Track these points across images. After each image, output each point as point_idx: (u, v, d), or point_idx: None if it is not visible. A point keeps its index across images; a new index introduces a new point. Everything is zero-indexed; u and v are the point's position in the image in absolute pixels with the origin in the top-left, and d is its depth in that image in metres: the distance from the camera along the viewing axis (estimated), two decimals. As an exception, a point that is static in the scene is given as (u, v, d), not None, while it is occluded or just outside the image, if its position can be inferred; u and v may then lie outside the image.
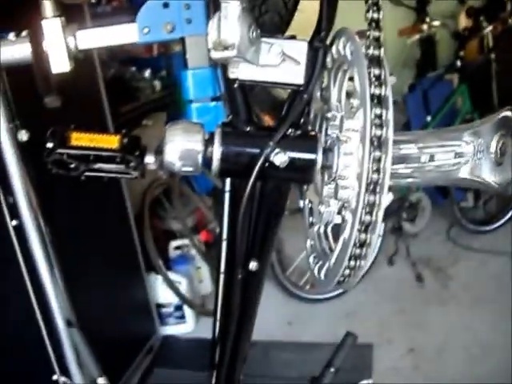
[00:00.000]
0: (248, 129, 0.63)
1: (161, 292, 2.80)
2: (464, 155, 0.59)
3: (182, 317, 2.87)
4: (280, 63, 0.60)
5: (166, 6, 0.84)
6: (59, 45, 0.86)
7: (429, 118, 3.50)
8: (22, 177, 1.23)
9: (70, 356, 1.37)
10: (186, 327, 2.89)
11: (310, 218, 0.73)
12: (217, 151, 0.61)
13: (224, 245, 0.88)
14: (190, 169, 0.62)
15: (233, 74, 0.61)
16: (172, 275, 2.81)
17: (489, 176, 0.58)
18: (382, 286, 3.13)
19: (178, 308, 2.84)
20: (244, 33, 0.54)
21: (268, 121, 0.77)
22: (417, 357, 2.60)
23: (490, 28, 3.26)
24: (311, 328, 2.87)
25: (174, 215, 3.04)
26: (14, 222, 1.70)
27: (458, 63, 3.36)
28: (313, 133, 0.64)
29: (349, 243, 0.55)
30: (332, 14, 0.64)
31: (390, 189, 0.54)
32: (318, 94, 0.70)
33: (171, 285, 2.76)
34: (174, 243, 2.98)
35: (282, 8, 0.63)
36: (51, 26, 0.83)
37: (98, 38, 0.89)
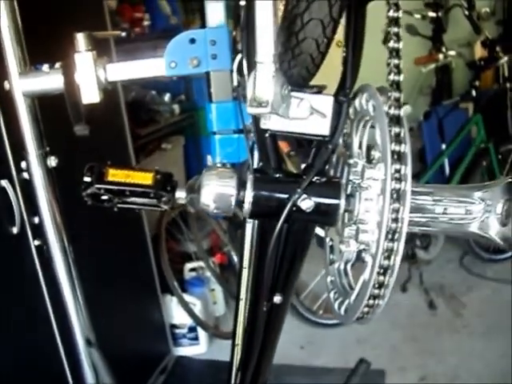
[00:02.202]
0: (277, 175, 0.68)
1: (175, 313, 2.84)
2: (474, 212, 0.64)
3: (196, 338, 2.90)
4: (308, 116, 0.65)
5: (192, 41, 0.89)
6: (90, 77, 0.91)
7: (444, 146, 3.54)
8: (49, 199, 1.28)
9: (89, 375, 1.40)
10: (200, 349, 2.92)
11: (331, 256, 0.77)
12: (249, 195, 0.66)
13: (244, 272, 0.93)
14: (223, 210, 0.67)
15: (265, 125, 0.66)
16: (187, 297, 2.85)
17: (495, 234, 0.63)
18: (394, 313, 3.14)
19: (192, 329, 2.87)
20: (277, 91, 0.60)
21: (283, 146, 0.81)
22: (429, 385, 2.61)
23: (505, 59, 3.29)
24: (323, 353, 2.88)
25: (190, 237, 3.08)
26: (37, 242, 1.76)
27: (473, 92, 3.40)
28: (336, 179, 0.69)
29: (368, 284, 0.59)
30: (356, 69, 0.69)
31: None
32: (341, 140, 0.75)
33: (186, 306, 2.79)
34: (189, 265, 3.03)
35: (309, 63, 0.68)
36: (84, 59, 0.90)
37: (127, 71, 0.93)
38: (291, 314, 2.96)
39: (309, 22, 0.63)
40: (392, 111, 0.61)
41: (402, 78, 0.64)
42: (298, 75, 0.70)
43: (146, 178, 0.87)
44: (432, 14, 4.00)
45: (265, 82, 0.59)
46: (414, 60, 3.55)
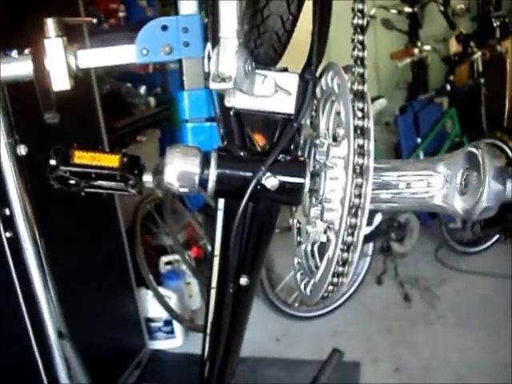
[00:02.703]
0: (242, 154, 0.68)
1: (151, 307, 2.82)
2: (435, 185, 0.64)
3: (172, 332, 2.88)
4: (273, 94, 0.65)
5: (164, 28, 0.88)
6: (61, 64, 0.89)
7: (419, 140, 3.57)
8: (19, 190, 1.26)
9: (61, 368, 1.38)
10: (175, 342, 2.90)
11: (298, 238, 0.77)
12: (212, 174, 0.66)
13: (216, 260, 0.92)
14: (187, 189, 0.67)
15: (229, 102, 0.65)
16: (162, 290, 2.83)
17: (456, 204, 0.63)
18: (369, 305, 3.17)
19: (168, 323, 2.86)
20: (240, 66, 0.59)
21: (259, 140, 0.81)
22: (403, 376, 2.62)
23: (479, 54, 3.33)
24: (299, 345, 2.89)
25: (165, 231, 3.07)
26: (8, 234, 1.73)
27: (448, 87, 3.43)
28: (302, 158, 0.68)
29: (332, 261, 0.59)
30: (322, 48, 0.68)
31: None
32: (308, 121, 0.75)
33: (161, 300, 2.78)
34: (164, 258, 3.01)
35: (276, 41, 0.67)
36: (53, 45, 0.88)
37: (98, 57, 0.92)
38: (267, 306, 2.96)
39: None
40: (356, 86, 0.61)
41: (366, 54, 0.64)
42: (264, 54, 0.69)
43: (112, 161, 0.86)
44: (408, 9, 4.03)
45: (228, 57, 0.58)
46: (390, 54, 3.57)
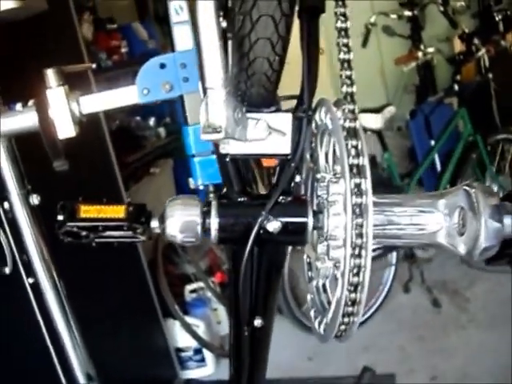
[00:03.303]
0: (242, 199, 0.68)
1: (179, 336, 2.81)
2: (436, 222, 0.63)
3: (202, 360, 2.87)
4: (267, 136, 0.65)
5: (162, 66, 0.89)
6: (64, 112, 0.90)
7: (432, 142, 3.54)
8: (34, 237, 1.27)
9: (93, 411, 1.38)
10: (207, 370, 2.89)
11: (309, 273, 0.76)
12: (214, 222, 0.66)
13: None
14: (191, 239, 0.67)
15: (224, 149, 0.65)
16: (189, 319, 2.83)
17: (457, 244, 0.62)
18: (399, 315, 3.12)
19: (198, 351, 2.85)
20: (230, 115, 0.59)
21: (269, 162, 0.81)
22: (440, 384, 2.58)
23: (482, 51, 3.30)
24: (332, 362, 2.86)
25: (187, 259, 3.07)
26: (31, 280, 1.75)
27: (456, 87, 3.40)
28: (303, 197, 0.68)
29: (340, 302, 0.58)
30: (313, 85, 0.68)
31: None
32: (308, 155, 0.74)
33: (189, 329, 2.77)
34: (189, 287, 3.01)
35: (265, 82, 0.67)
36: (55, 94, 0.89)
37: (100, 102, 0.93)
38: (295, 326, 2.94)
39: (256, 41, 0.62)
40: (347, 124, 0.60)
41: (355, 89, 0.63)
42: (256, 94, 0.69)
43: (118, 212, 0.87)
44: (408, 13, 4.01)
45: (216, 107, 0.58)
46: (395, 60, 3.56)
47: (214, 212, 0.65)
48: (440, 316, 3.10)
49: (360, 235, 0.56)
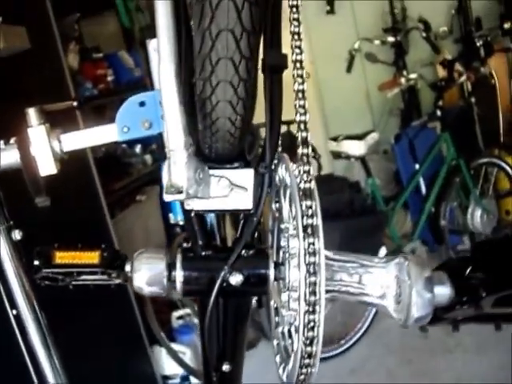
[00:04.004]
0: (205, 253, 0.70)
1: (166, 364, 2.81)
2: (382, 287, 0.66)
3: (189, 387, 2.87)
4: (229, 192, 0.67)
5: (142, 104, 0.90)
6: (45, 150, 0.92)
7: (417, 166, 3.58)
8: (16, 270, 1.29)
9: None
10: (194, 397, 2.89)
11: (276, 318, 0.78)
12: (179, 275, 0.68)
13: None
14: (158, 291, 0.69)
15: (188, 206, 0.68)
16: (176, 346, 2.83)
17: (394, 311, 0.65)
18: (386, 339, 3.13)
19: (185, 379, 2.85)
20: (191, 176, 0.62)
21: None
22: (427, 408, 2.59)
23: (464, 78, 3.36)
24: (318, 387, 2.86)
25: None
26: (14, 312, 1.75)
27: (438, 112, 3.45)
28: (264, 250, 0.71)
29: (297, 355, 0.61)
30: (275, 141, 0.71)
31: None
32: (274, 205, 0.77)
33: (175, 356, 2.77)
34: (175, 313, 3.01)
35: (229, 138, 0.70)
36: (37, 133, 0.90)
37: (81, 140, 0.94)
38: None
39: (217, 103, 0.65)
40: (303, 185, 0.63)
41: (308, 117, 0.66)
42: (222, 148, 0.71)
43: (92, 258, 0.89)
44: (391, 39, 4.09)
45: (178, 169, 0.61)
46: (378, 86, 3.62)
47: (178, 265, 0.68)
48: (427, 340, 3.11)
49: (314, 293, 0.59)
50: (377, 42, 3.99)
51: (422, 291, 0.59)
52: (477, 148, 3.75)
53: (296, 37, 0.70)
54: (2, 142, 1.01)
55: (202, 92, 0.64)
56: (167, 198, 0.61)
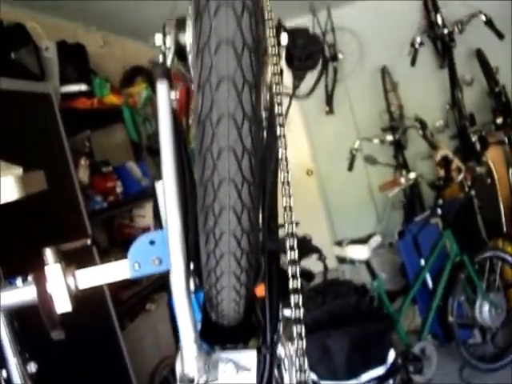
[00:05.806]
0: None
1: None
2: None
3: None
4: (235, 375, 0.73)
5: (152, 243, 0.97)
6: (61, 287, 0.97)
7: (422, 262, 3.60)
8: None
9: None
10: None
11: None
12: None
13: None
14: None
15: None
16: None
17: None
18: None
19: None
20: (201, 367, 0.68)
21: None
22: None
23: (461, 177, 3.44)
24: None
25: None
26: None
27: (439, 211, 3.51)
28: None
29: None
30: (275, 321, 0.77)
31: None
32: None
33: None
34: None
35: (235, 296, 0.73)
36: (53, 271, 0.97)
37: (95, 277, 0.99)
38: None
39: (222, 286, 0.71)
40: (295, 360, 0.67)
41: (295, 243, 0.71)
42: (227, 309, 0.76)
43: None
44: (390, 138, 4.24)
45: (189, 361, 0.66)
46: (379, 187, 3.70)
47: None
48: None
49: None
50: (376, 140, 4.13)
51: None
52: (480, 240, 3.78)
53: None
54: (19, 279, 1.07)
55: (206, 263, 0.70)
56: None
